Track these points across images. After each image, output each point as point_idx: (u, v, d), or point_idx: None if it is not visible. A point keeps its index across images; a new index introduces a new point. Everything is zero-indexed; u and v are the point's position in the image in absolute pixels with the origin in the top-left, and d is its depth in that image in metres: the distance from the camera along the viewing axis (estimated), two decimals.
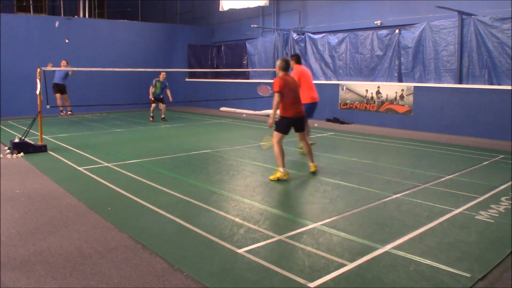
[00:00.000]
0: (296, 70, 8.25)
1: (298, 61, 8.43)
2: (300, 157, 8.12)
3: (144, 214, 4.82)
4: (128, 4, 23.29)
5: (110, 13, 23.20)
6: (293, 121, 6.28)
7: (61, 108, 13.80)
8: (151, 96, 13.53)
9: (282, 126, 6.30)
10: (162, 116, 13.94)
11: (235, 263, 3.60)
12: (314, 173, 6.65)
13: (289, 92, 6.15)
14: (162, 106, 13.79)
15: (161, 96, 13.72)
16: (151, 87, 13.49)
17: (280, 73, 6.31)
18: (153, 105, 13.66)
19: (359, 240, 4.06)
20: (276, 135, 6.28)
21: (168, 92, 13.63)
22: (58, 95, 13.33)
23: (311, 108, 8.35)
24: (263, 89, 9.71)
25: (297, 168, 7.20)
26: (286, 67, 6.30)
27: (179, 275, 3.40)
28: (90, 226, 4.45)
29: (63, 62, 13.48)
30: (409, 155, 8.63)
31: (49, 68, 10.17)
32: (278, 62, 6.34)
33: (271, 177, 6.30)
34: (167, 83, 13.67)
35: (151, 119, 13.73)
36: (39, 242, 4.03)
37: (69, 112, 14.19)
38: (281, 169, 6.26)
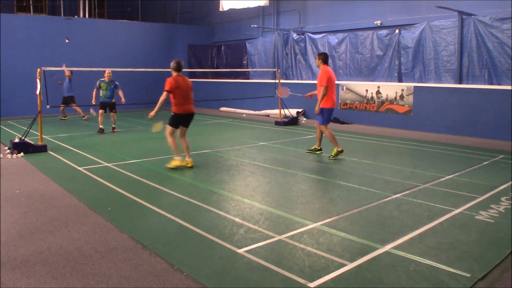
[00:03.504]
0: (323, 72, 7.78)
1: (325, 61, 7.92)
2: (302, 158, 8.12)
3: (144, 214, 4.82)
4: (128, 4, 23.30)
5: (110, 13, 23.20)
6: (182, 117, 7.00)
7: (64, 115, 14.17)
8: (93, 101, 11.15)
9: (175, 121, 7.00)
10: (113, 126, 11.46)
11: (235, 263, 3.60)
12: (191, 168, 7.10)
13: (179, 91, 6.84)
14: (111, 114, 11.33)
15: (113, 101, 11.24)
16: (95, 90, 11.15)
17: (174, 74, 6.94)
18: (100, 111, 11.15)
19: (359, 240, 4.06)
20: (167, 128, 7.00)
21: (120, 92, 11.22)
22: (63, 107, 13.62)
23: (331, 113, 8.03)
24: (283, 91, 9.80)
25: (298, 168, 7.20)
26: (178, 68, 6.99)
27: (179, 275, 3.40)
28: (90, 226, 4.45)
29: (67, 73, 13.68)
30: (409, 155, 8.62)
31: (50, 68, 10.16)
32: (171, 64, 7.01)
33: (168, 165, 7.03)
34: (117, 83, 11.27)
35: (100, 130, 11.15)
36: (39, 242, 4.03)
37: (84, 118, 14.07)
38: (176, 157, 6.99)
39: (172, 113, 6.98)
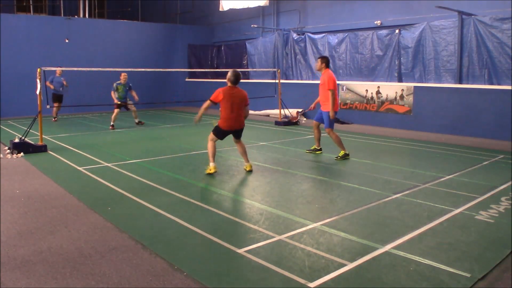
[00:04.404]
0: (328, 76, 7.67)
1: (328, 64, 7.87)
2: (302, 158, 8.12)
3: (144, 214, 4.82)
4: (128, 4, 23.30)
5: (110, 13, 23.20)
6: (225, 132, 6.68)
7: (54, 115, 14.01)
8: (116, 101, 12.09)
9: (218, 132, 6.72)
10: (137, 120, 12.73)
11: (235, 263, 3.60)
12: (250, 172, 6.76)
13: (226, 105, 6.46)
14: (132, 109, 12.53)
15: (128, 100, 12.43)
16: (112, 92, 12.07)
17: (228, 84, 6.56)
18: (116, 110, 12.13)
19: (359, 240, 4.06)
20: (211, 134, 6.73)
21: (133, 92, 12.31)
22: (56, 104, 13.24)
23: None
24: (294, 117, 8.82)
25: (298, 168, 7.20)
26: (234, 81, 6.55)
27: (179, 275, 3.39)
28: (90, 226, 4.45)
29: (59, 71, 13.56)
30: (409, 155, 8.62)
31: (50, 68, 10.15)
32: (228, 74, 6.57)
33: (205, 171, 6.65)
34: (130, 84, 12.37)
35: (110, 127, 12.00)
36: (39, 242, 4.03)
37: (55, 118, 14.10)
38: (210, 163, 6.61)
39: (217, 125, 6.70)
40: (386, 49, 12.91)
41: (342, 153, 7.87)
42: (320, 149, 8.33)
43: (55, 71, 13.53)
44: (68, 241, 4.05)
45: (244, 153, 6.86)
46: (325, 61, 7.84)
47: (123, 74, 12.05)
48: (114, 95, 12.05)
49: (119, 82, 12.07)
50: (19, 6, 20.79)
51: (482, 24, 10.77)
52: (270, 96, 14.32)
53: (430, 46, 11.87)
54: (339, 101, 13.83)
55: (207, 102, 6.46)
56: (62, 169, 7.10)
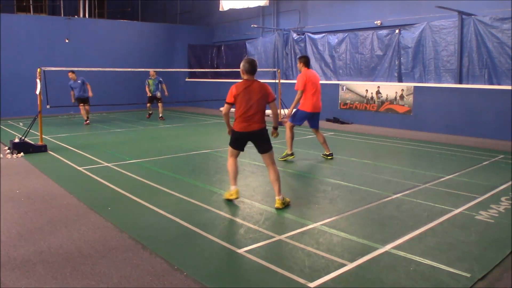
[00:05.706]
0: (299, 76, 7.66)
1: (306, 64, 7.67)
2: (301, 158, 8.11)
3: (144, 214, 4.82)
4: (128, 4, 23.29)
5: (110, 13, 23.19)
6: (241, 136, 5.12)
7: (84, 117, 13.43)
8: (149, 94, 14.00)
9: (232, 140, 5.22)
10: (160, 115, 14.17)
11: (235, 263, 3.60)
12: (278, 209, 4.97)
13: (241, 102, 4.99)
14: (159, 105, 14.12)
15: (158, 95, 13.97)
16: (146, 86, 14.04)
17: (243, 77, 5.14)
18: (148, 104, 14.11)
19: (359, 240, 4.06)
20: (229, 149, 5.26)
21: (164, 87, 13.97)
22: (81, 105, 12.87)
23: (306, 117, 7.81)
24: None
25: (298, 168, 7.20)
26: (250, 70, 5.09)
27: (179, 275, 3.40)
28: (90, 226, 4.45)
29: (72, 75, 12.96)
30: (409, 155, 8.62)
31: (50, 68, 10.12)
32: (242, 63, 5.15)
33: (223, 196, 5.34)
34: (160, 79, 13.98)
35: (148, 116, 14.31)
36: (39, 242, 4.03)
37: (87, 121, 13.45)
38: (231, 186, 5.21)
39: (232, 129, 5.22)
40: (386, 49, 12.91)
41: (284, 153, 7.75)
42: (331, 154, 7.92)
43: (69, 77, 12.87)
44: (68, 241, 4.05)
45: (276, 181, 5.04)
46: (303, 60, 7.64)
47: (151, 71, 13.66)
48: (147, 89, 13.95)
49: (149, 77, 13.86)
50: (19, 6, 20.77)
51: (482, 24, 10.77)
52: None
53: (430, 46, 11.87)
54: (339, 101, 13.85)
55: (224, 106, 5.10)
56: (62, 169, 7.10)
